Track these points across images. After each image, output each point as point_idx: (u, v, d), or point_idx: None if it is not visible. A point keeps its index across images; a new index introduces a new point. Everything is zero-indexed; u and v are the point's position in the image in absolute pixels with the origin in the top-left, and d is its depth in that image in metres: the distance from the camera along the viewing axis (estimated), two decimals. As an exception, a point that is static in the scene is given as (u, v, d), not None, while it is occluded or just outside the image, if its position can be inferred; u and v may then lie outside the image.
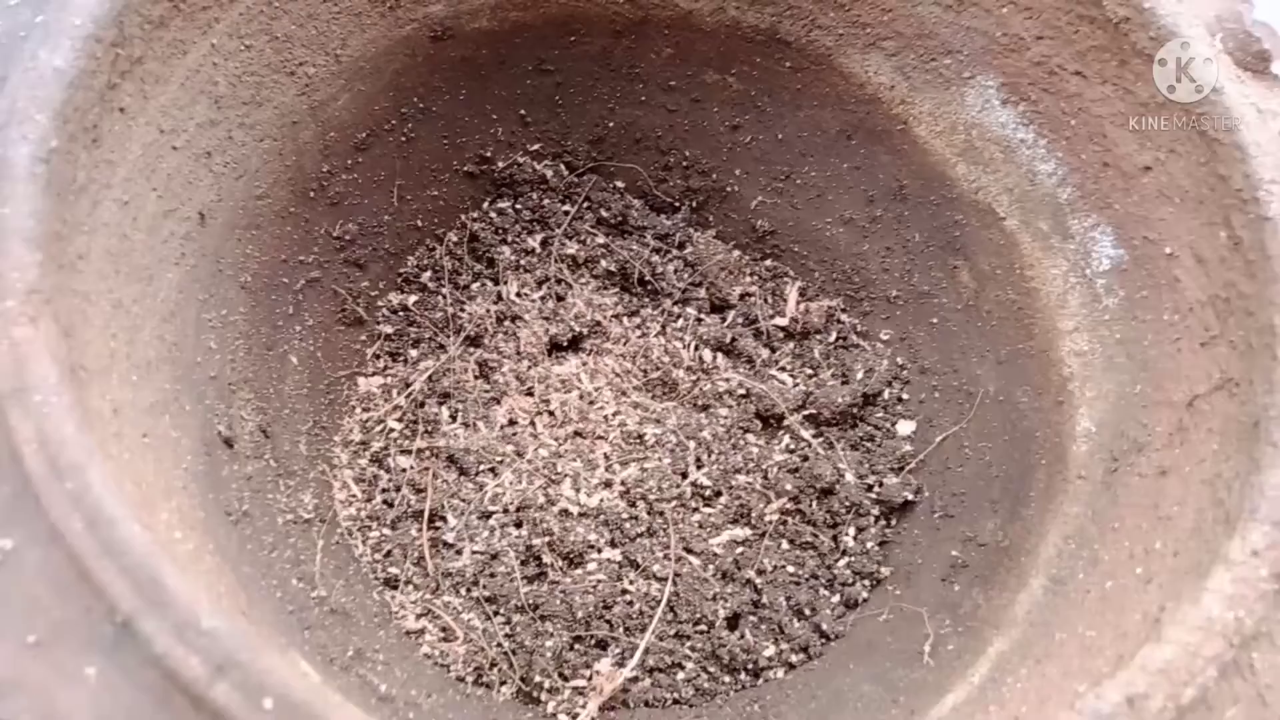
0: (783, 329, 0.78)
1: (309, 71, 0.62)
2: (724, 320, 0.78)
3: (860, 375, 0.74)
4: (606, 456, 0.73)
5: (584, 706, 0.63)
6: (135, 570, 0.31)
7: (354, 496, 0.69)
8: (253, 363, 0.61)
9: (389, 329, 0.76)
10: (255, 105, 0.58)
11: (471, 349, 0.76)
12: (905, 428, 0.72)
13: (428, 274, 0.78)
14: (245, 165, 0.59)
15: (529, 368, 0.76)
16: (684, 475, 0.72)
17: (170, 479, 0.46)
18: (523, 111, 0.76)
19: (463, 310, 0.76)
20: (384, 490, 0.70)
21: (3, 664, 0.30)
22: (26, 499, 0.33)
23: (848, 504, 0.69)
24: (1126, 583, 0.48)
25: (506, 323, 0.77)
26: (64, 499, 0.32)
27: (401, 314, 0.77)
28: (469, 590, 0.67)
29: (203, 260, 0.56)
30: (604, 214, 0.80)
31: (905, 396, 0.73)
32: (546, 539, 0.68)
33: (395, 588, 0.66)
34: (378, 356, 0.76)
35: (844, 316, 0.77)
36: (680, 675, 0.65)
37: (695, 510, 0.71)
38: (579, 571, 0.68)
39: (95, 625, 0.32)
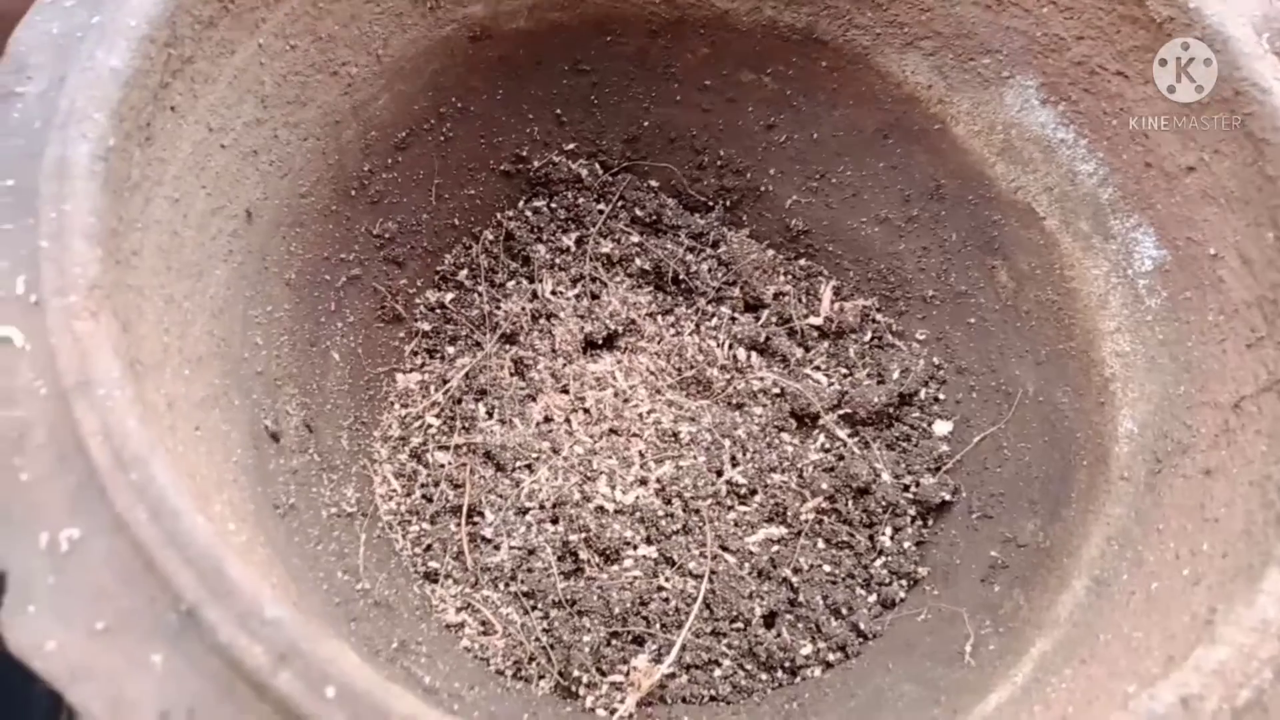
0: (817, 328, 0.78)
1: (351, 71, 0.62)
2: (758, 319, 0.78)
3: (896, 375, 0.74)
4: (641, 454, 0.73)
5: (622, 702, 0.63)
6: (199, 560, 0.32)
7: (394, 491, 0.70)
8: (296, 359, 0.62)
9: (427, 326, 0.76)
10: (299, 105, 0.59)
11: (507, 346, 0.76)
12: (942, 428, 0.72)
13: (464, 272, 0.78)
14: (290, 164, 0.59)
15: (564, 365, 0.76)
16: (719, 473, 0.72)
17: (222, 472, 0.46)
18: (558, 111, 0.76)
19: (499, 308, 0.77)
20: (423, 485, 0.71)
21: (73, 650, 0.31)
22: (91, 490, 0.34)
23: (884, 504, 0.69)
24: (1173, 584, 0.48)
25: (542, 321, 0.78)
26: (128, 490, 0.33)
27: (439, 311, 0.77)
28: (507, 585, 0.67)
29: (249, 257, 0.56)
30: (638, 213, 0.80)
31: (942, 396, 0.73)
32: (583, 535, 0.68)
33: (435, 581, 0.67)
34: (415, 353, 0.76)
35: (879, 316, 0.77)
36: (717, 672, 0.65)
37: (731, 508, 0.71)
38: (615, 568, 0.68)
39: (160, 614, 0.32)
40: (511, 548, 0.69)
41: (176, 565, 0.32)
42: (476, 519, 0.70)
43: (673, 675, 0.65)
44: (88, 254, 0.37)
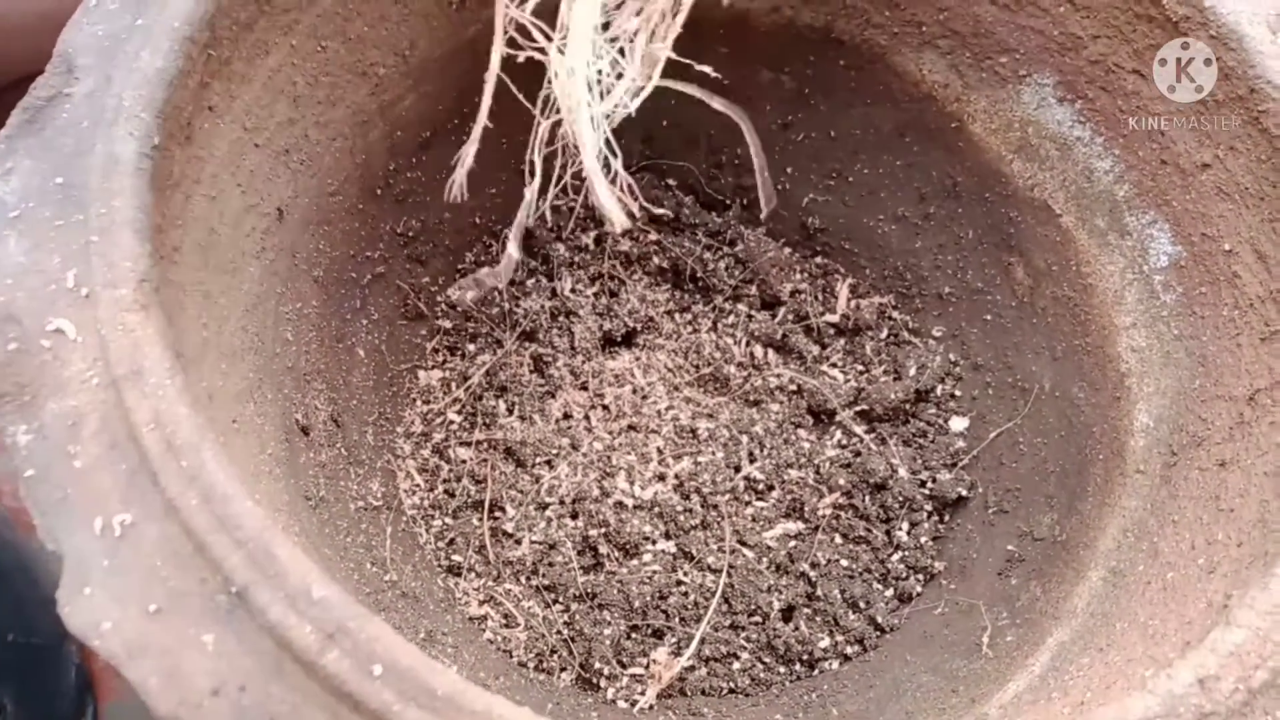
0: (834, 325, 0.79)
1: (379, 72, 0.63)
2: (775, 317, 0.79)
3: (913, 371, 0.75)
4: (660, 450, 0.74)
5: (642, 693, 0.64)
6: (249, 543, 0.33)
7: (417, 486, 0.71)
8: (324, 354, 0.63)
9: (448, 324, 0.77)
10: (329, 105, 0.60)
11: (527, 344, 0.77)
12: (958, 424, 0.73)
13: (485, 270, 0.79)
14: (319, 163, 0.61)
15: (583, 362, 0.77)
16: (737, 469, 0.73)
17: (258, 463, 0.47)
18: (578, 111, 0.77)
19: (518, 306, 0.78)
20: (445, 480, 0.72)
21: (130, 630, 0.32)
22: (143, 476, 0.35)
23: (900, 499, 0.70)
24: (1189, 573, 0.48)
25: (561, 318, 0.79)
26: (180, 476, 0.34)
27: (459, 309, 0.78)
28: (528, 579, 0.68)
29: (280, 254, 0.57)
30: (656, 212, 0.81)
31: (958, 393, 0.74)
32: (602, 530, 0.69)
33: (459, 575, 0.68)
34: (437, 350, 0.77)
35: (895, 313, 0.78)
36: (736, 665, 0.66)
37: (748, 504, 0.72)
38: (634, 562, 0.69)
39: (211, 595, 0.33)
40: (532, 542, 0.70)
41: (227, 548, 0.33)
42: (498, 514, 0.71)
43: (692, 668, 0.66)
44: (137, 248, 0.38)
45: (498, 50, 0.58)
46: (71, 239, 0.40)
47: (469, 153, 0.64)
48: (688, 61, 0.58)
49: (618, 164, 0.57)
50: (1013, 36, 0.64)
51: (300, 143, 0.59)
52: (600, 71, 0.55)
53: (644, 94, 0.57)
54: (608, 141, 0.57)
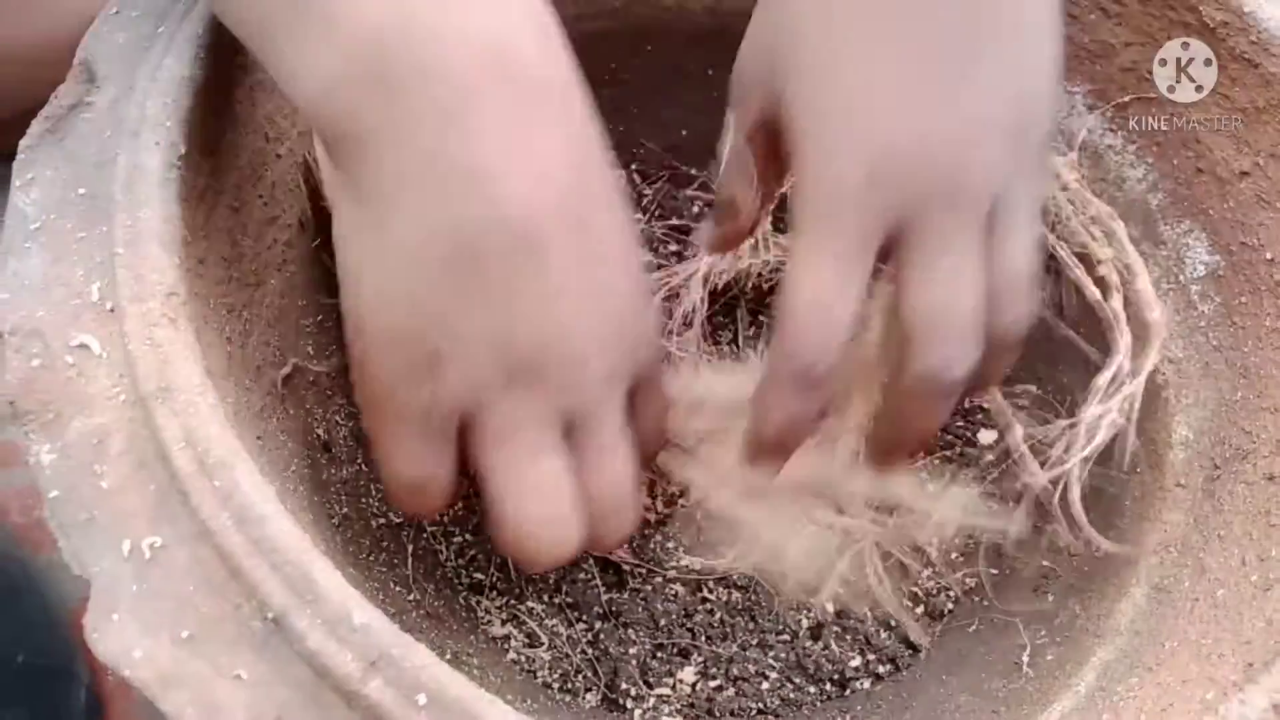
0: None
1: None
2: (797, 328, 0.78)
3: (940, 383, 0.73)
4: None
5: (669, 715, 0.62)
6: (286, 567, 0.32)
7: (436, 503, 0.69)
8: (344, 368, 0.61)
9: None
10: (350, 114, 0.59)
11: (545, 357, 0.76)
12: (987, 436, 0.71)
13: (501, 282, 0.78)
14: (340, 173, 0.59)
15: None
16: (761, 483, 0.71)
17: (284, 481, 0.46)
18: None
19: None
20: (464, 495, 0.70)
21: (162, 659, 0.30)
22: (173, 496, 0.34)
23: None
24: (1241, 590, 0.47)
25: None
26: (213, 497, 0.33)
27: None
28: (551, 597, 0.67)
29: (301, 266, 0.56)
30: (676, 222, 0.80)
31: (986, 404, 0.72)
32: (625, 545, 0.68)
33: (480, 593, 0.66)
34: (454, 364, 0.76)
35: (921, 324, 0.77)
36: (764, 685, 0.64)
37: (773, 518, 0.71)
38: (658, 579, 0.68)
39: (245, 621, 0.32)
40: (554, 559, 0.68)
41: (264, 572, 0.32)
42: (518, 530, 0.69)
43: (720, 688, 0.64)
44: (164, 260, 0.37)
45: None
46: (95, 251, 0.38)
47: None
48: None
49: None
50: (1043, 43, 0.63)
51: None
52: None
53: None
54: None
